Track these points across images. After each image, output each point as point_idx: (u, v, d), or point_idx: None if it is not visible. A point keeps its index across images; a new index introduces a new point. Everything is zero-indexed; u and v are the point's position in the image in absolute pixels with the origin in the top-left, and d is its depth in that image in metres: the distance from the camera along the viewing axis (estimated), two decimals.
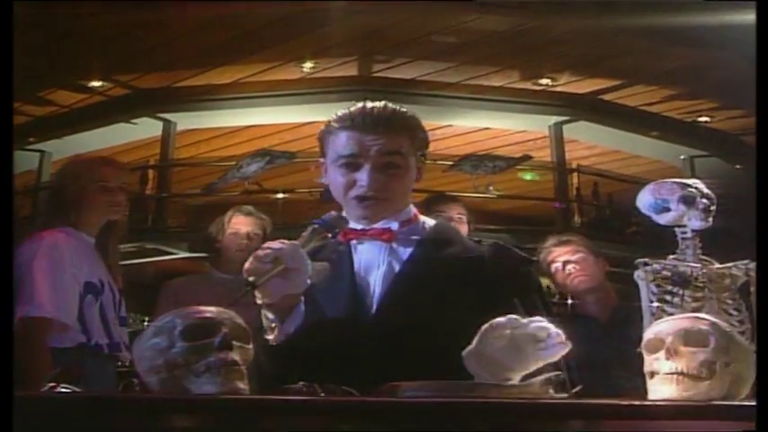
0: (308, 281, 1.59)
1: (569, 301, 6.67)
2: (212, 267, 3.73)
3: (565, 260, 3.33)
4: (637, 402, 1.49)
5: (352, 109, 1.75)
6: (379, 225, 1.75)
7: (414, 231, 1.78)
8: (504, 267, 1.74)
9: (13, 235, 1.47)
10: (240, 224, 3.66)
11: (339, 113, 1.76)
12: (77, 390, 1.45)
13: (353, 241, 1.76)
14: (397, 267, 1.72)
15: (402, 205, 1.79)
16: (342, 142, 1.72)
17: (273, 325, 1.61)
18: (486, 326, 1.38)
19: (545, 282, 6.61)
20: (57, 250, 2.73)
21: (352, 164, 1.71)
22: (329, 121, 1.78)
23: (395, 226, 1.76)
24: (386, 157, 1.71)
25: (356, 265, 1.74)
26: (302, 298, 1.64)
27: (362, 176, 1.70)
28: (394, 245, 1.74)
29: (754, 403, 1.29)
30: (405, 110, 1.79)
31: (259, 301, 1.60)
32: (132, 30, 5.11)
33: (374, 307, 1.69)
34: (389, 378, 1.37)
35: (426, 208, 3.51)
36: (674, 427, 1.27)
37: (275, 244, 1.57)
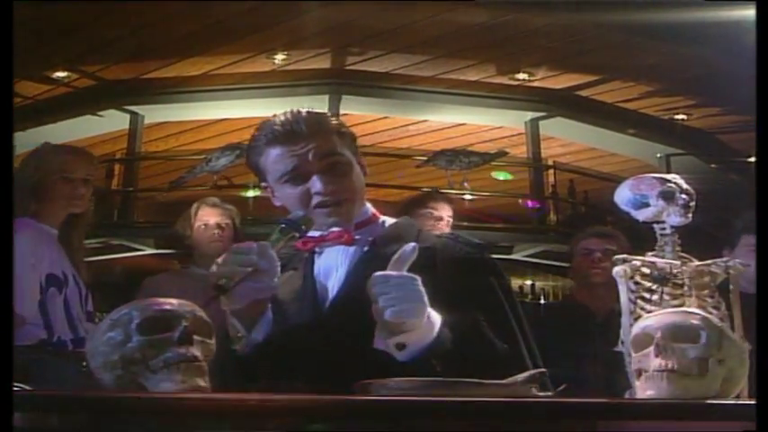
0: (277, 284, 1.53)
1: (542, 302, 6.73)
2: (190, 264, 3.64)
3: (593, 249, 3.35)
4: (623, 401, 1.43)
5: (267, 124, 1.68)
6: (336, 229, 1.69)
7: (372, 232, 1.73)
8: (453, 255, 1.68)
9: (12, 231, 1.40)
10: (208, 216, 3.60)
11: (257, 132, 1.69)
12: (27, 388, 1.35)
13: (316, 248, 1.71)
14: (349, 268, 1.68)
15: (360, 205, 1.74)
16: (276, 159, 1.66)
17: (240, 334, 1.54)
18: None
19: (519, 282, 6.66)
20: (15, 242, 2.62)
21: (297, 176, 1.65)
22: (250, 144, 1.71)
23: (352, 229, 1.70)
24: (327, 159, 1.66)
25: (316, 270, 1.70)
26: (269, 305, 1.58)
27: (315, 184, 1.64)
28: (352, 247, 1.69)
29: (750, 402, 1.23)
30: (321, 111, 1.75)
31: (225, 308, 1.52)
32: (98, 18, 5.00)
33: (327, 309, 1.64)
34: (340, 378, 1.32)
35: (421, 202, 3.47)
36: (667, 427, 1.21)
37: (246, 245, 1.50)
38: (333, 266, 1.68)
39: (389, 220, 1.78)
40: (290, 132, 1.65)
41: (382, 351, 1.45)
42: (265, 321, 1.57)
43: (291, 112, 1.69)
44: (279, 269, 1.51)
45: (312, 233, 1.69)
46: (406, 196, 4.58)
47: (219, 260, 1.49)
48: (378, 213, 1.77)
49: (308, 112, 1.69)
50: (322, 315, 1.63)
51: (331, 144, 1.67)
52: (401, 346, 1.44)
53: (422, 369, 1.39)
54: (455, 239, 1.74)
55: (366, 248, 1.69)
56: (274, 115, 1.70)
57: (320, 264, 1.70)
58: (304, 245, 1.68)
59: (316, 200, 1.64)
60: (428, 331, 1.47)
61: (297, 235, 1.59)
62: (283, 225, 1.58)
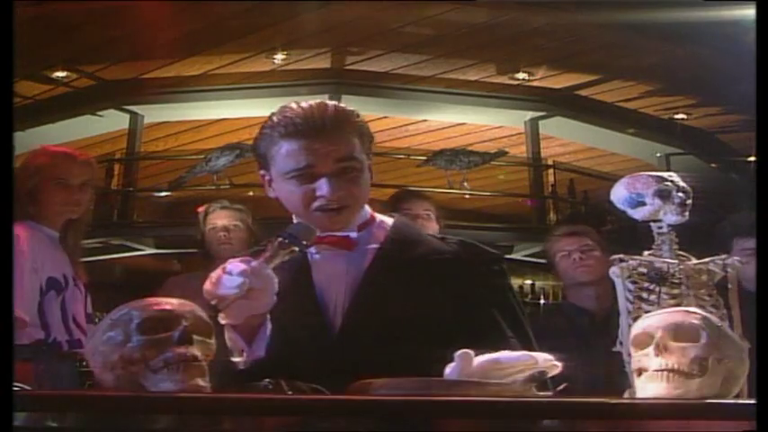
0: (275, 299, 1.47)
1: (542, 301, 6.73)
2: (210, 265, 3.64)
3: (571, 249, 3.29)
4: (626, 401, 1.42)
5: (289, 113, 1.57)
6: (336, 233, 1.62)
7: (372, 234, 1.67)
8: (474, 266, 1.64)
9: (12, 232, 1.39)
10: (217, 218, 3.61)
11: (275, 119, 1.58)
12: (27, 388, 1.35)
13: (311, 250, 1.63)
14: (360, 276, 1.61)
15: (360, 209, 1.67)
16: (290, 153, 1.56)
17: (241, 348, 1.50)
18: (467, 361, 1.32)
19: (519, 281, 6.64)
20: (16, 243, 2.63)
21: (306, 175, 1.57)
22: (263, 130, 1.60)
23: (353, 233, 1.64)
24: (342, 162, 1.57)
25: (315, 277, 1.63)
26: (268, 316, 1.52)
27: (322, 187, 1.56)
28: (355, 252, 1.63)
29: (750, 402, 1.22)
30: (349, 108, 1.65)
31: (223, 322, 1.47)
32: (98, 18, 4.99)
33: (340, 320, 1.58)
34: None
35: (393, 205, 3.42)
36: (667, 427, 1.20)
37: (239, 265, 1.44)
38: (335, 274, 1.62)
39: (386, 220, 1.72)
40: (311, 128, 1.55)
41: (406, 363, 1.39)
42: (265, 333, 1.52)
43: (318, 104, 1.59)
44: (276, 285, 1.46)
45: None
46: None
47: (213, 277, 1.44)
48: (374, 214, 1.71)
49: (335, 108, 1.60)
50: (333, 327, 1.58)
51: (350, 147, 1.59)
52: None
53: None
54: (471, 247, 1.69)
55: (374, 254, 1.63)
56: (297, 103, 1.60)
57: (319, 269, 1.63)
58: None
59: (318, 203, 1.57)
60: None
61: (296, 249, 1.51)
62: (282, 239, 1.50)
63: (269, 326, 1.53)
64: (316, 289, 1.61)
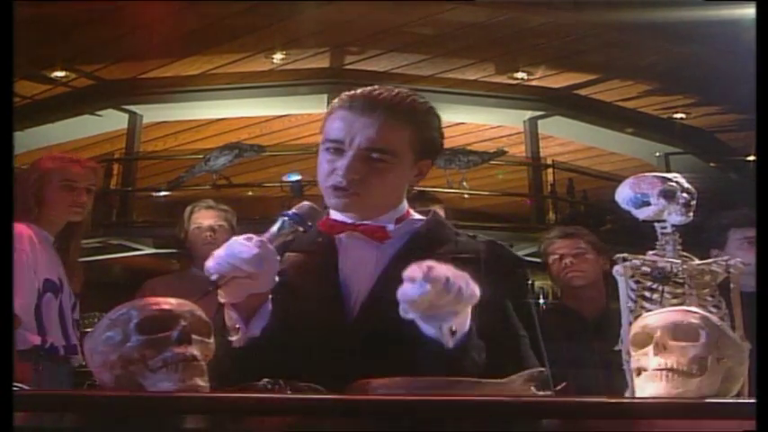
0: (276, 278, 1.48)
1: (542, 301, 6.71)
2: (191, 265, 3.64)
3: (563, 253, 3.25)
4: (624, 400, 1.42)
5: (360, 90, 1.59)
6: (372, 222, 1.62)
7: (405, 229, 1.66)
8: (498, 268, 1.63)
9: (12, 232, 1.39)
10: (202, 218, 3.59)
11: (351, 93, 1.60)
12: (26, 388, 1.35)
13: (341, 235, 1.64)
14: (384, 267, 1.60)
15: (394, 202, 1.67)
16: (335, 124, 1.58)
17: (237, 326, 1.50)
18: None
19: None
20: (18, 242, 2.63)
21: (337, 149, 1.57)
22: (333, 102, 1.63)
23: (390, 226, 1.64)
24: (373, 150, 1.56)
25: (341, 263, 1.62)
26: (270, 297, 1.53)
27: (342, 165, 1.56)
28: (386, 244, 1.62)
29: (749, 401, 1.23)
30: (423, 102, 1.62)
31: (222, 300, 1.49)
32: (98, 18, 4.99)
33: (358, 309, 1.58)
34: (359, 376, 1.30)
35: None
36: (667, 426, 1.20)
37: (244, 241, 1.46)
38: (362, 262, 1.61)
39: (420, 217, 1.71)
40: (363, 106, 1.55)
41: (419, 356, 1.41)
42: (264, 313, 1.52)
43: (389, 89, 1.58)
44: (278, 265, 1.47)
45: (341, 218, 1.64)
46: None
47: (215, 253, 1.45)
48: (410, 210, 1.70)
49: (403, 97, 1.58)
50: (350, 314, 1.57)
51: (392, 137, 1.57)
52: (453, 332, 1.39)
53: (463, 359, 1.39)
54: (499, 248, 1.69)
55: (402, 247, 1.62)
56: (379, 85, 1.60)
57: (347, 256, 1.62)
58: (330, 228, 1.63)
59: (332, 180, 1.57)
60: (466, 319, 1.43)
61: (301, 229, 1.52)
62: (287, 218, 1.51)
63: (269, 306, 1.53)
64: (340, 275, 1.60)
